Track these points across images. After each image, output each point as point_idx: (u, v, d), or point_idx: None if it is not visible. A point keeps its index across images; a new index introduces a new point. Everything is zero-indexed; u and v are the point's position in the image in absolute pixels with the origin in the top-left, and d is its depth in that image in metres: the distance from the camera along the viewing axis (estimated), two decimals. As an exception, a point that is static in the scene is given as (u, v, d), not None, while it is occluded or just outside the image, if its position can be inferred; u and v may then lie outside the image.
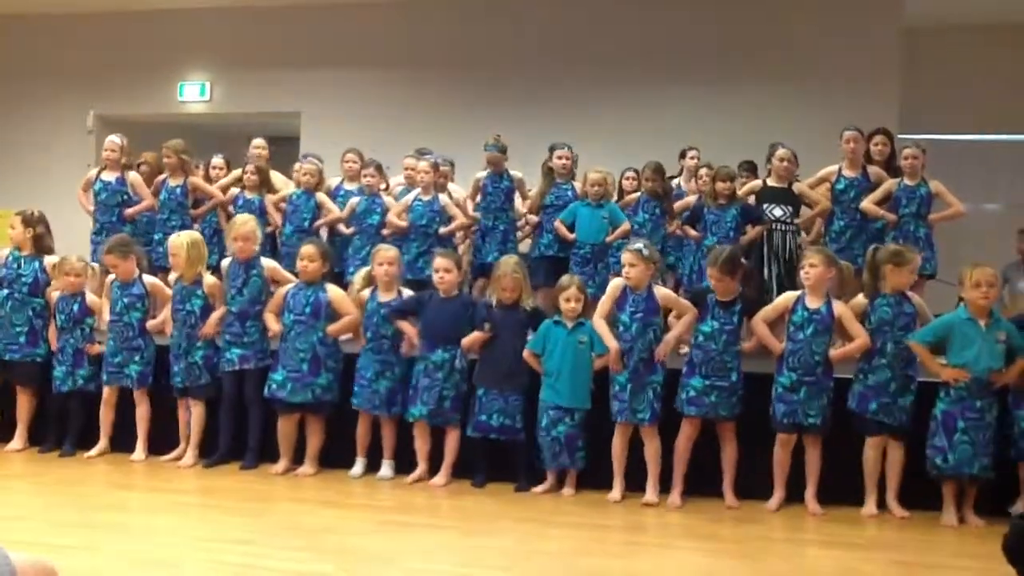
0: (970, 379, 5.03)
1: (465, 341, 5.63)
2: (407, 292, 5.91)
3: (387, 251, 5.92)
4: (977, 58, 9.65)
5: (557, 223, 6.82)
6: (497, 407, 5.56)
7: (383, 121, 10.00)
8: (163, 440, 6.11)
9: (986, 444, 5.04)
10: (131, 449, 6.09)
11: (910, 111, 8.86)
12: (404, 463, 5.79)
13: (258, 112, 10.69)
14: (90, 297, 6.29)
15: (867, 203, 6.66)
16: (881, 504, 5.24)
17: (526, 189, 7.24)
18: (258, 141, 7.83)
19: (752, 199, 6.83)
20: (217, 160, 7.91)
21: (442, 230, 6.95)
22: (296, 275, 6.11)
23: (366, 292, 5.86)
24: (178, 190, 7.32)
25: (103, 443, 6.16)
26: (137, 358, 6.09)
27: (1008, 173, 9.96)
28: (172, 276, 6.17)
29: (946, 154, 7.55)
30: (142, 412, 6.11)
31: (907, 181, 6.62)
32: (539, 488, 5.51)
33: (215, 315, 5.97)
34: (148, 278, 6.26)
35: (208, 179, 7.72)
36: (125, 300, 6.10)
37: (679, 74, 9.67)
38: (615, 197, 7.22)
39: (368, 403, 5.75)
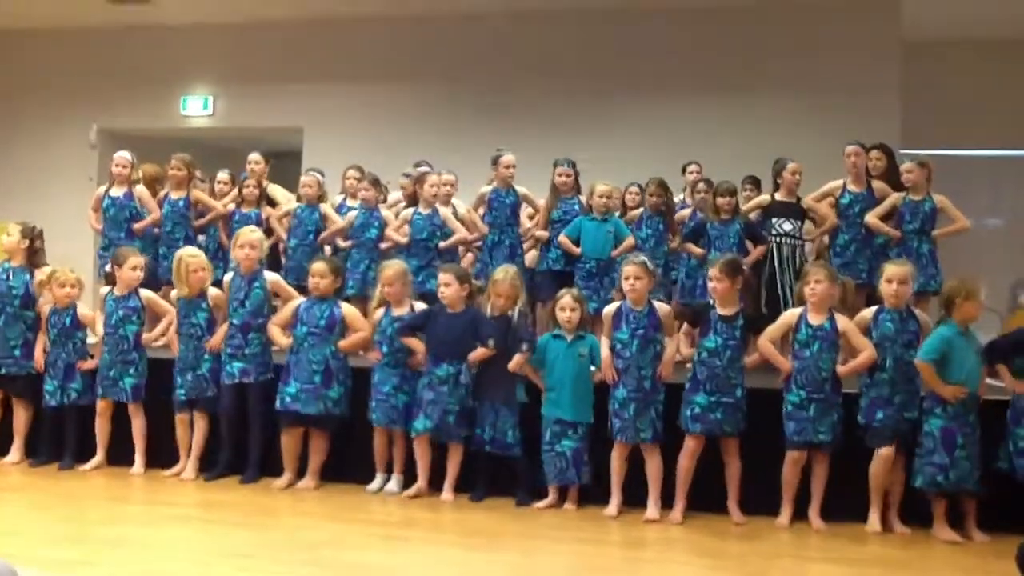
0: (967, 395, 5.03)
1: (471, 356, 5.61)
2: (419, 305, 5.90)
3: (385, 270, 5.88)
4: (981, 73, 9.68)
5: (562, 238, 6.80)
6: (489, 420, 5.56)
7: (386, 136, 10.03)
8: (161, 454, 6.06)
9: (978, 458, 5.05)
10: (129, 463, 6.06)
11: (912, 126, 8.87)
12: (413, 478, 5.74)
13: (261, 127, 10.71)
14: (82, 310, 6.27)
15: (871, 218, 6.68)
16: (884, 522, 5.21)
17: (535, 202, 7.24)
18: (254, 156, 7.82)
19: (758, 213, 6.85)
20: (222, 175, 7.92)
21: (442, 244, 6.94)
22: (299, 289, 6.13)
23: (380, 310, 5.84)
24: (181, 203, 7.35)
25: (99, 456, 6.13)
26: (131, 371, 6.06)
27: (1012, 188, 9.96)
28: (174, 293, 6.15)
29: (949, 169, 7.54)
30: (138, 426, 6.08)
31: (912, 196, 6.63)
32: (541, 503, 5.48)
33: (221, 329, 5.96)
34: (144, 292, 6.23)
35: (213, 194, 7.74)
36: (120, 313, 6.08)
37: (681, 89, 9.70)
38: (619, 212, 7.22)
39: (386, 418, 5.73)
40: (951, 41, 9.68)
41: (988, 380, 5.25)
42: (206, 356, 5.96)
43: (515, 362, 5.53)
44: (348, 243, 7.21)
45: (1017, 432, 5.10)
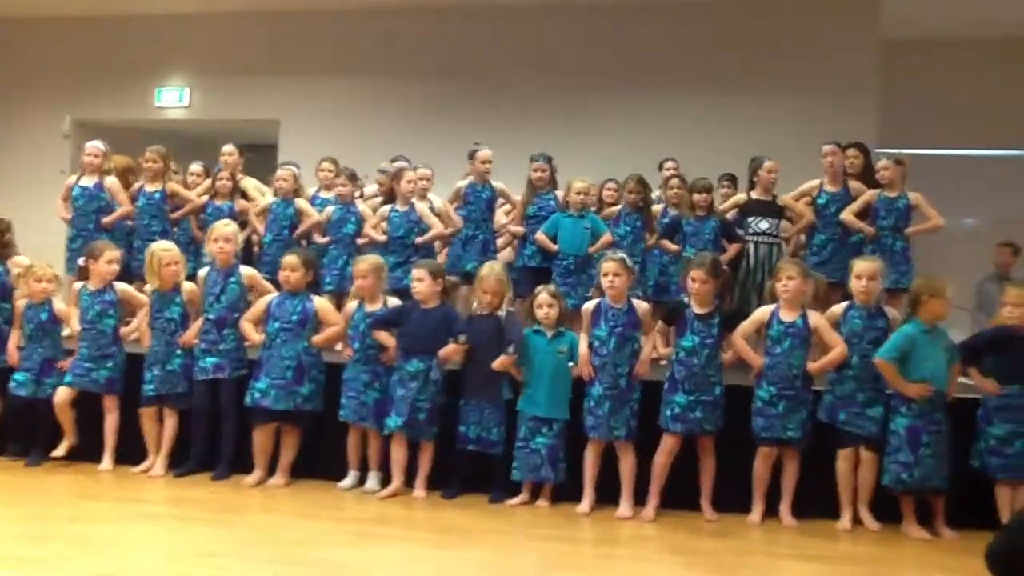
0: (933, 392, 5.05)
1: (441, 352, 5.58)
2: (393, 301, 5.86)
3: (359, 264, 5.86)
4: (956, 73, 9.75)
5: (539, 235, 6.76)
6: (474, 419, 5.53)
7: (362, 129, 9.97)
8: (130, 451, 5.99)
9: (945, 456, 5.07)
10: (97, 459, 5.98)
11: (889, 125, 8.91)
12: (390, 474, 5.69)
13: (237, 119, 10.61)
14: (58, 305, 6.19)
15: (846, 214, 6.71)
16: (856, 518, 5.24)
17: (512, 197, 7.20)
18: (228, 147, 7.72)
19: (735, 212, 6.86)
20: (195, 167, 7.83)
21: (418, 240, 6.91)
22: (275, 283, 6.07)
23: (353, 304, 5.81)
24: (157, 195, 7.29)
25: (69, 440, 5.96)
26: (109, 364, 5.98)
27: (989, 188, 10.02)
28: (148, 286, 6.08)
29: (924, 168, 7.57)
30: (111, 421, 6.00)
31: (887, 193, 6.66)
32: (514, 500, 5.47)
33: (195, 324, 5.90)
34: (120, 285, 6.15)
35: (186, 186, 7.66)
36: (98, 307, 6.00)
37: (660, 87, 9.68)
38: (596, 208, 7.20)
39: (355, 415, 5.69)
40: (930, 40, 9.73)
41: (961, 379, 5.28)
42: (178, 351, 5.91)
43: (499, 362, 5.50)
44: (325, 239, 7.16)
45: (988, 430, 5.14)
